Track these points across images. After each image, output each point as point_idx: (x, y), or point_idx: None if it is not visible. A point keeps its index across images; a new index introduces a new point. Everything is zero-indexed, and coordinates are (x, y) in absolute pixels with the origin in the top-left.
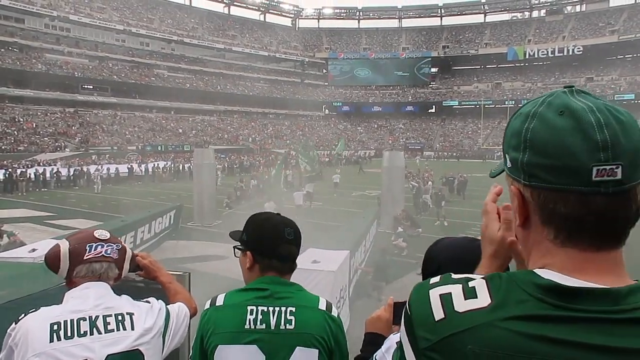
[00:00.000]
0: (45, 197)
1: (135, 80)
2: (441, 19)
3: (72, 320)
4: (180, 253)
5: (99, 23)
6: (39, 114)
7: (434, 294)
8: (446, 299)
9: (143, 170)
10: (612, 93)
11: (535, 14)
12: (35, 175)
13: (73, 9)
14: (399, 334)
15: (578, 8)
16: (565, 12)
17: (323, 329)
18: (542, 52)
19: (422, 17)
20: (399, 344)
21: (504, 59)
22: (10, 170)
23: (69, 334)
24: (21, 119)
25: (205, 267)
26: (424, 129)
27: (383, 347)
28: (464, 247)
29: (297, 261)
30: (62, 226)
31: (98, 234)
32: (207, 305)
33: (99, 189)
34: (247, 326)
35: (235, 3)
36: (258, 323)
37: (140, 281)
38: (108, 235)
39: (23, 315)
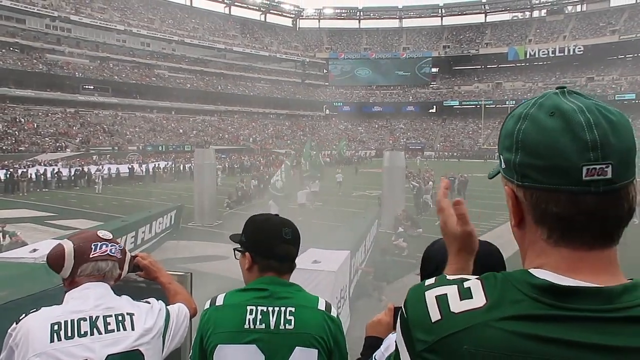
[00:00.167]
0: (46, 197)
1: (136, 81)
2: (442, 19)
3: (72, 321)
4: (180, 253)
5: (100, 23)
6: (40, 114)
7: (430, 295)
8: (442, 300)
9: (144, 170)
10: (613, 93)
11: (535, 13)
12: (36, 175)
13: (74, 9)
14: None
15: (579, 8)
16: (566, 12)
17: (322, 329)
18: (543, 52)
19: (422, 17)
20: (395, 350)
21: (505, 58)
22: (11, 170)
23: (69, 334)
24: (22, 119)
25: (206, 267)
26: (424, 129)
27: (382, 347)
28: None
29: (297, 261)
30: (63, 226)
31: (101, 233)
32: (207, 305)
33: (100, 189)
34: (246, 326)
35: (235, 3)
36: (257, 323)
37: (142, 281)
38: (111, 235)
39: (24, 315)
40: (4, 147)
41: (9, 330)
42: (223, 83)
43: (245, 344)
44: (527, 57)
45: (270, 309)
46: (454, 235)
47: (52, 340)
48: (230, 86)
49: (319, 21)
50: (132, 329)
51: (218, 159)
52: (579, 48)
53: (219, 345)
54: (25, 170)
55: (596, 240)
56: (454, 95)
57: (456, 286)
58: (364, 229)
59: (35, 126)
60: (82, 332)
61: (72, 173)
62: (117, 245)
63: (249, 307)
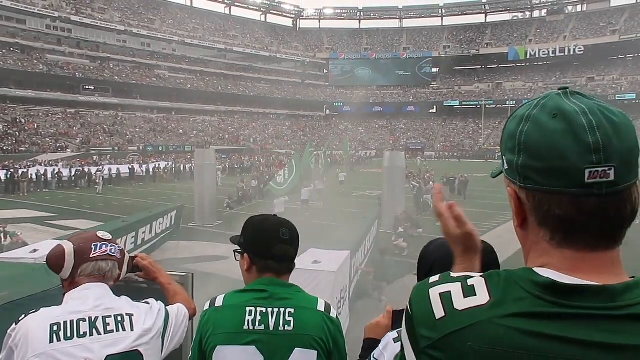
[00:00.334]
0: (47, 197)
1: (136, 81)
2: (442, 19)
3: (72, 321)
4: (181, 253)
5: (100, 24)
6: (40, 114)
7: (434, 293)
8: (446, 297)
9: (144, 170)
10: (613, 93)
11: (536, 13)
12: (36, 175)
13: (74, 9)
14: (394, 332)
15: (579, 8)
16: (566, 12)
17: (322, 330)
18: (543, 52)
19: (423, 17)
20: (401, 347)
21: (505, 59)
22: (12, 170)
23: (68, 335)
24: (23, 120)
25: (206, 267)
26: (425, 129)
27: (380, 345)
28: None
29: (297, 261)
30: (63, 227)
31: (101, 234)
32: (207, 306)
33: (100, 190)
34: (245, 327)
35: (236, 3)
36: (257, 324)
37: (142, 282)
38: (110, 236)
39: (23, 315)
40: (4, 148)
41: (9, 331)
42: (223, 83)
43: (244, 345)
44: (528, 57)
45: (270, 310)
46: (455, 237)
47: (51, 341)
48: (231, 86)
49: (319, 21)
50: (132, 329)
51: (218, 160)
52: (580, 48)
53: (218, 346)
54: (25, 170)
55: (599, 241)
56: (454, 95)
57: (460, 284)
58: (364, 229)
59: (35, 126)
60: (82, 333)
61: (73, 173)
62: (117, 246)
63: (248, 308)
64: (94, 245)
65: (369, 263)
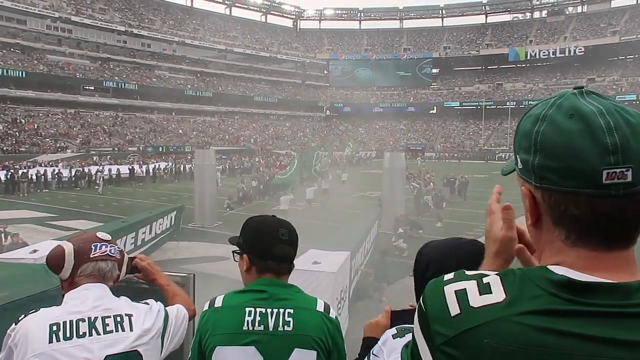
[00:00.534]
0: (47, 198)
1: (136, 82)
2: (442, 20)
3: (71, 321)
4: (181, 254)
5: (101, 24)
6: (40, 115)
7: (449, 290)
8: (461, 295)
9: (144, 171)
10: (614, 94)
11: (536, 14)
12: (36, 176)
13: (75, 10)
14: (394, 329)
15: (579, 9)
16: (567, 12)
17: (321, 331)
18: (544, 52)
19: (423, 18)
20: (412, 341)
21: (506, 59)
22: (12, 171)
23: (68, 335)
24: (23, 120)
25: (206, 268)
26: (425, 129)
27: (380, 341)
28: (451, 246)
29: (297, 262)
30: (63, 227)
31: (101, 235)
32: (206, 307)
33: (101, 190)
34: (245, 327)
35: (236, 4)
36: (256, 324)
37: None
38: (109, 236)
39: (23, 316)
40: (4, 148)
41: (8, 331)
42: (224, 84)
43: (243, 346)
44: (528, 58)
45: (269, 310)
46: (496, 238)
47: (50, 341)
48: (231, 87)
49: (319, 22)
50: (131, 329)
51: (218, 160)
52: (580, 49)
53: (217, 347)
54: (25, 171)
55: (614, 241)
56: (454, 96)
57: (475, 281)
58: (364, 230)
59: (35, 127)
60: (81, 333)
61: (73, 174)
62: (116, 246)
63: (247, 309)
64: (93, 245)
65: (369, 264)
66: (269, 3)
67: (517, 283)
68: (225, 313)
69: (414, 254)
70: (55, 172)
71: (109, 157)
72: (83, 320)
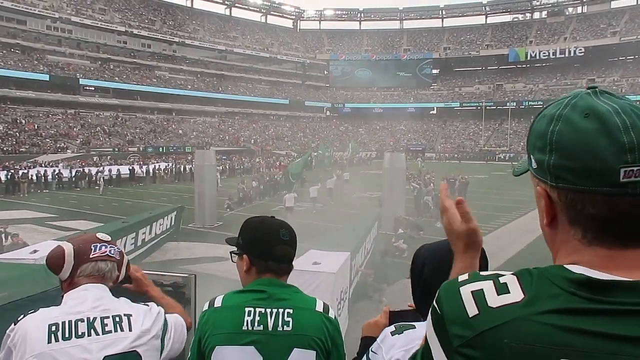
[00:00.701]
0: (47, 198)
1: (136, 82)
2: (442, 21)
3: (70, 322)
4: (181, 254)
5: (101, 25)
6: (40, 115)
7: (465, 291)
8: (478, 295)
9: (144, 171)
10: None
11: (536, 15)
12: (37, 176)
13: (75, 10)
14: (392, 326)
15: (579, 9)
16: (567, 13)
17: (320, 331)
18: (544, 53)
19: (423, 18)
20: (424, 345)
21: (506, 60)
22: (12, 171)
23: (67, 335)
24: (23, 121)
25: (206, 268)
26: (425, 130)
27: (378, 339)
28: (447, 246)
29: (297, 263)
30: (63, 227)
31: (101, 235)
32: (206, 307)
33: (102, 191)
34: (244, 327)
35: (236, 5)
36: (255, 324)
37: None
38: (109, 237)
39: (22, 316)
40: (4, 148)
41: (7, 331)
42: (224, 84)
43: (243, 345)
44: (528, 58)
45: (269, 310)
46: (459, 233)
47: (49, 341)
48: (231, 88)
49: (319, 22)
50: (130, 329)
51: (218, 161)
52: (580, 49)
53: (217, 347)
54: (26, 171)
55: (632, 239)
56: (454, 96)
57: (492, 281)
58: (364, 230)
59: (36, 127)
60: (80, 333)
61: (73, 174)
62: (116, 247)
63: (247, 309)
64: (93, 246)
65: (369, 264)
66: (269, 3)
67: (534, 282)
68: (225, 313)
69: None
70: (55, 173)
71: (109, 157)
72: (82, 320)
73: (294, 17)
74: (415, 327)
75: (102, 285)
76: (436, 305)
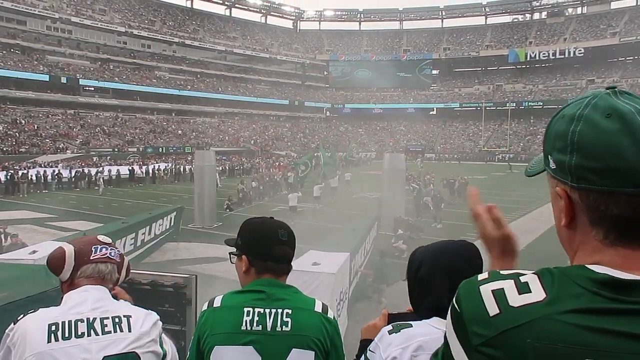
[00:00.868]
0: (47, 198)
1: (136, 82)
2: (442, 21)
3: (70, 322)
4: (180, 255)
5: (101, 25)
6: (40, 115)
7: (485, 290)
8: (499, 294)
9: (144, 172)
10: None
11: (536, 16)
12: (36, 176)
13: (75, 11)
14: (390, 325)
15: (579, 10)
16: (567, 14)
17: (319, 331)
18: (544, 54)
19: (423, 19)
20: (443, 345)
21: (505, 61)
22: (11, 171)
23: (66, 335)
24: (23, 121)
25: (206, 268)
26: (424, 131)
27: (376, 338)
28: (441, 246)
29: (297, 263)
30: (63, 228)
31: (102, 238)
32: (205, 307)
33: (101, 191)
34: (243, 327)
35: (236, 5)
36: (254, 324)
37: (146, 283)
38: (110, 240)
39: (22, 316)
40: (4, 149)
41: (7, 331)
42: (223, 85)
43: (242, 345)
44: (528, 59)
45: (267, 310)
46: (493, 239)
47: (49, 341)
48: (231, 88)
49: (319, 23)
50: (129, 330)
51: (218, 161)
52: (580, 50)
53: (216, 347)
54: (25, 171)
55: None
56: (454, 97)
57: (512, 281)
58: (364, 231)
59: (35, 128)
60: (80, 333)
61: (73, 174)
62: (117, 250)
63: (246, 309)
64: (94, 248)
65: (368, 265)
66: (269, 4)
67: (556, 282)
68: (224, 313)
69: None
70: (55, 173)
71: (108, 157)
72: (82, 320)
73: (293, 17)
74: (412, 326)
75: (102, 287)
76: (455, 304)
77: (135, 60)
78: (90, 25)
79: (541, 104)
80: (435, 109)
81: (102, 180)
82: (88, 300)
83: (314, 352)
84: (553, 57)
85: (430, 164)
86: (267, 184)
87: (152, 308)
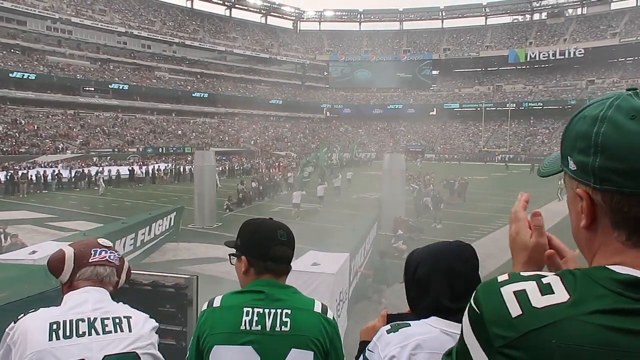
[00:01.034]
0: (46, 199)
1: (136, 83)
2: (442, 22)
3: (71, 321)
4: (180, 255)
5: (101, 25)
6: (40, 116)
7: (507, 291)
8: (521, 296)
9: (144, 172)
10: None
11: (536, 16)
12: (36, 177)
13: (75, 11)
14: (388, 325)
15: (579, 11)
16: (567, 14)
17: (319, 331)
18: (544, 54)
19: (423, 19)
20: (459, 347)
21: (505, 61)
22: (11, 172)
23: (68, 334)
24: (23, 121)
25: (206, 269)
26: (425, 131)
27: (375, 337)
28: (438, 247)
29: (297, 263)
30: (63, 228)
31: (102, 241)
32: (205, 307)
33: (101, 192)
34: (242, 327)
35: (236, 5)
36: (254, 324)
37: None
38: (110, 243)
39: (22, 315)
40: (4, 149)
41: (7, 330)
42: (223, 85)
43: (241, 345)
44: (528, 59)
45: (267, 310)
46: (525, 245)
47: (50, 339)
48: (231, 88)
49: (319, 23)
50: (130, 330)
51: (218, 161)
52: (580, 51)
53: (215, 346)
54: (25, 171)
55: None
56: (454, 97)
57: (534, 282)
58: (364, 231)
59: (35, 128)
60: (81, 332)
61: (73, 175)
62: (116, 253)
63: (245, 309)
64: (93, 250)
65: (368, 265)
66: (269, 4)
67: (579, 283)
68: (224, 313)
69: None
70: (55, 173)
71: (108, 158)
72: (83, 320)
73: (293, 18)
74: (410, 325)
75: (102, 288)
76: (474, 305)
77: (135, 61)
78: (90, 25)
79: (541, 104)
80: (435, 109)
81: (102, 181)
82: (89, 301)
83: (313, 352)
84: (553, 58)
85: (430, 164)
86: (267, 184)
87: (153, 309)
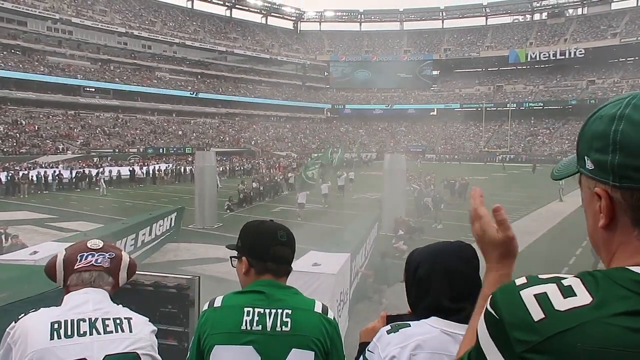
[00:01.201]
0: (47, 199)
1: (137, 83)
2: (443, 22)
3: (72, 320)
4: (181, 255)
5: (101, 26)
6: (41, 116)
7: (527, 294)
8: (543, 299)
9: (144, 172)
10: (614, 96)
11: (537, 16)
12: (37, 177)
13: (75, 11)
14: (388, 325)
15: (580, 11)
16: (567, 15)
17: (319, 331)
18: (544, 54)
19: (423, 19)
20: (476, 350)
21: (506, 61)
22: (12, 172)
23: (69, 333)
24: (23, 122)
25: (206, 269)
26: (425, 131)
27: (375, 338)
28: (439, 247)
29: (297, 264)
30: (63, 229)
31: (90, 243)
32: (205, 307)
33: (102, 192)
34: (243, 327)
35: (237, 6)
36: (254, 324)
37: (149, 284)
38: (101, 244)
39: (23, 314)
40: (5, 149)
41: (7, 329)
42: (224, 86)
43: (241, 345)
44: (528, 59)
45: (267, 310)
46: (494, 242)
47: (52, 338)
48: (231, 89)
49: (320, 24)
50: (130, 331)
51: (219, 162)
52: (580, 51)
53: (215, 346)
54: (26, 172)
55: None
56: (454, 97)
57: (555, 284)
58: (364, 231)
59: (36, 128)
60: (82, 332)
61: (73, 175)
62: (107, 254)
63: (246, 309)
64: (79, 256)
65: (369, 266)
66: (270, 5)
67: (600, 285)
68: (224, 313)
69: None
70: (55, 174)
71: (109, 158)
72: (84, 320)
73: (294, 18)
74: (410, 325)
75: (102, 290)
76: (492, 310)
77: (135, 61)
78: (91, 26)
79: (542, 104)
80: (435, 109)
81: (102, 181)
82: (90, 302)
83: (313, 352)
84: (553, 58)
85: (430, 164)
86: (267, 184)
87: (154, 309)
